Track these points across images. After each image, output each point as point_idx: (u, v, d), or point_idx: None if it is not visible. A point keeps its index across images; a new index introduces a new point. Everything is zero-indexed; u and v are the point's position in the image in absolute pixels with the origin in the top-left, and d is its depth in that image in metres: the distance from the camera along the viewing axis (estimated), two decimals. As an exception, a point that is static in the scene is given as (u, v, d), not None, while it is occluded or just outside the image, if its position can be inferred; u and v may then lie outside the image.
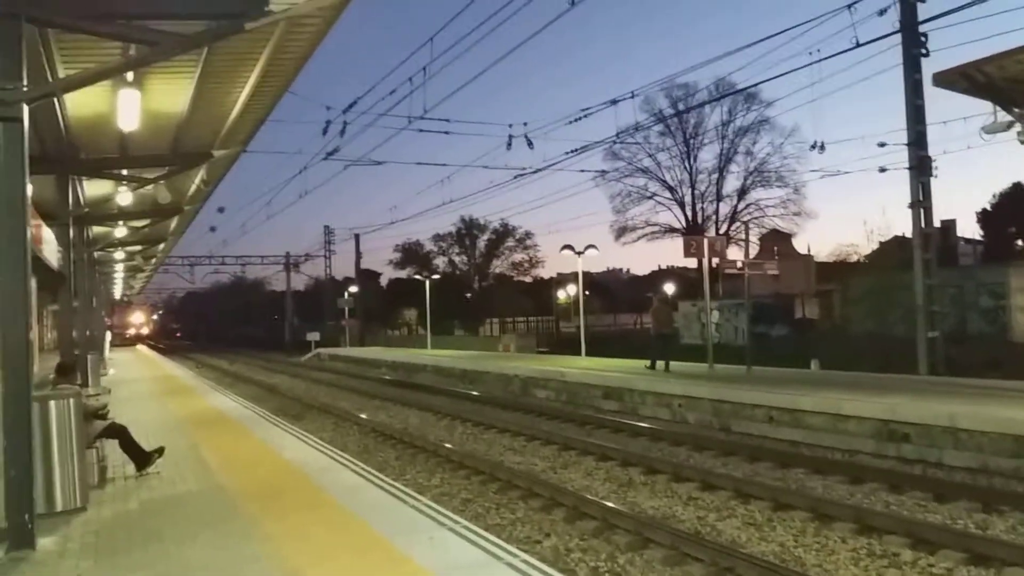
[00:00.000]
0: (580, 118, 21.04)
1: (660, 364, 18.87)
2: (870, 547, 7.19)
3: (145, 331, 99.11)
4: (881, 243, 46.31)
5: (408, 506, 6.82)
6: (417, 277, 65.70)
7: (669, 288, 57.23)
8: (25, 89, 5.83)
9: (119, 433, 8.62)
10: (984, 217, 45.93)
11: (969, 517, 8.13)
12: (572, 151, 23.59)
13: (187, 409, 15.11)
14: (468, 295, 69.64)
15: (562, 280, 65.10)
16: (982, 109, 14.58)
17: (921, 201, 17.77)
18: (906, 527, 7.47)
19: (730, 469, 10.78)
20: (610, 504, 8.73)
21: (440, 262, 73.40)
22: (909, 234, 19.09)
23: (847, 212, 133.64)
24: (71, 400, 6.90)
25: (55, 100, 9.66)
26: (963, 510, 8.35)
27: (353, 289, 56.64)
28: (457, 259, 74.57)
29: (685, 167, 52.96)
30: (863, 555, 7.02)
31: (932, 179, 17.92)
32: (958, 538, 7.11)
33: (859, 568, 6.73)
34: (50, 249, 14.64)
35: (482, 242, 73.71)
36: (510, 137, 23.03)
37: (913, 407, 11.22)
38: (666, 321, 20.16)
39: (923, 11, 17.22)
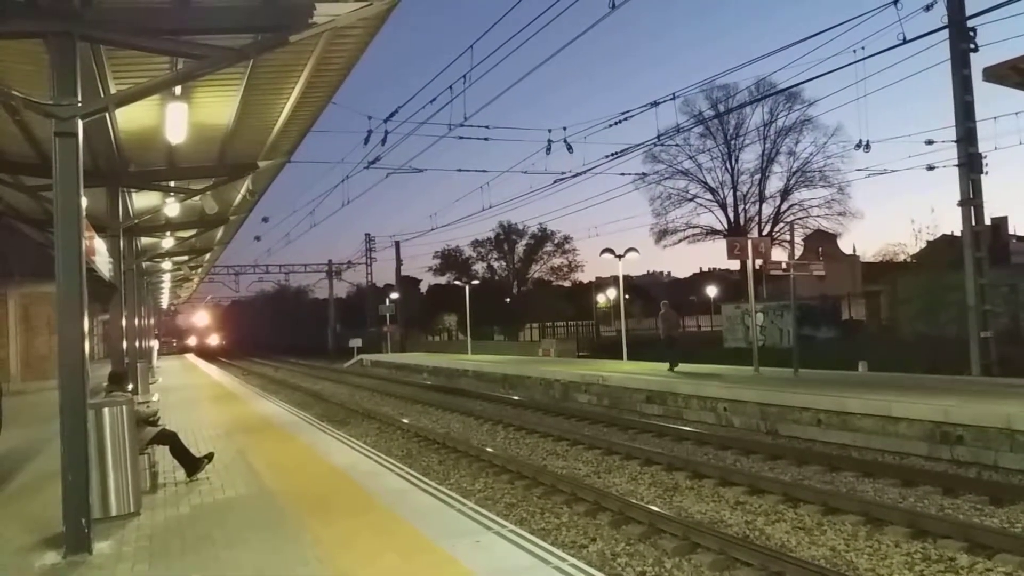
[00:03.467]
0: (620, 121, 20.94)
1: (675, 363, 20.26)
2: (924, 551, 7.04)
3: (214, 340, 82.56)
4: (929, 242, 45.25)
5: (454, 510, 6.85)
6: (456, 283, 66.04)
7: (712, 291, 56.88)
8: (79, 105, 5.99)
9: (170, 439, 8.79)
10: (1037, 214, 44.63)
11: (1028, 521, 7.92)
12: (612, 154, 23.47)
13: (234, 415, 15.37)
14: (507, 300, 69.75)
15: (602, 284, 64.93)
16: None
17: (971, 199, 17.35)
18: (962, 531, 7.30)
19: (778, 473, 10.63)
20: (656, 508, 8.67)
21: (479, 268, 73.84)
22: (958, 232, 18.69)
23: (894, 211, 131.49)
24: (124, 407, 7.05)
25: (106, 115, 9.90)
26: (1021, 513, 8.14)
27: (394, 295, 57.10)
28: (496, 264, 74.92)
29: (726, 168, 52.54)
30: (918, 559, 6.86)
31: (983, 176, 17.52)
32: (1017, 541, 6.91)
33: (914, 573, 6.58)
34: (102, 260, 15.00)
35: (521, 247, 73.95)
36: (549, 142, 23.03)
37: (967, 408, 10.95)
38: (673, 325, 21.21)
39: (971, 5, 16.87)
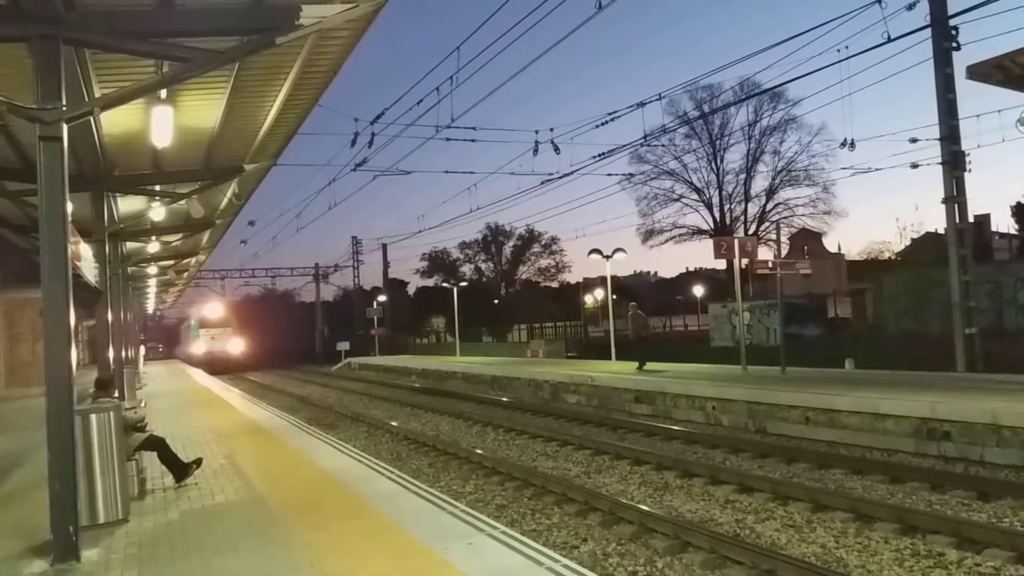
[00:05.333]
0: (607, 122, 20.98)
1: (646, 363, 20.78)
2: (914, 547, 7.09)
3: (234, 347, 50.07)
4: (914, 240, 45.63)
5: (445, 513, 6.84)
6: (444, 285, 65.99)
7: (698, 290, 57.09)
8: (64, 109, 5.94)
9: (158, 445, 8.73)
10: (1019, 211, 45.05)
11: (1015, 515, 8.00)
12: (599, 155, 23.49)
13: (222, 420, 15.28)
14: (495, 302, 69.80)
15: (589, 284, 64.99)
16: (1017, 101, 14.34)
17: (955, 196, 17.50)
18: (950, 526, 7.36)
19: (767, 471, 10.67)
20: (646, 508, 8.69)
21: (467, 269, 74.00)
22: (942, 230, 18.86)
23: (878, 209, 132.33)
24: (111, 413, 7.01)
25: (91, 119, 9.83)
26: (1008, 508, 8.21)
27: (381, 298, 56.92)
28: (484, 266, 75.10)
29: (712, 168, 52.90)
30: (907, 555, 6.91)
31: (966, 174, 17.66)
32: (1005, 536, 6.98)
33: (903, 569, 6.63)
34: (87, 265, 14.87)
35: (508, 248, 74.18)
36: (536, 143, 23.04)
37: (953, 405, 11.03)
38: (642, 326, 21.92)
39: (953, 4, 17.04)
